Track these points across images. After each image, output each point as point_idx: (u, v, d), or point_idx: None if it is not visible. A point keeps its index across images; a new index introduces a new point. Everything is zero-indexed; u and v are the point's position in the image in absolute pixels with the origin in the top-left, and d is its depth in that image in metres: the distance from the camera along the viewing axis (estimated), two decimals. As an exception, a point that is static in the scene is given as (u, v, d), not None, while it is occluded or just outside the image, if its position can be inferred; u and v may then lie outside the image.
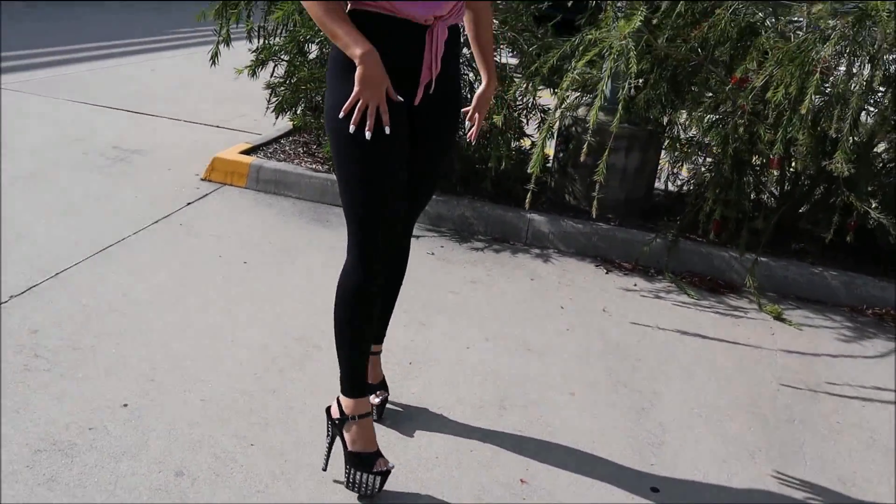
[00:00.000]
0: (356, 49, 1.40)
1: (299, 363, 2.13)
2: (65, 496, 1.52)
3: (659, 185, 3.80)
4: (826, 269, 3.22)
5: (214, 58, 3.50)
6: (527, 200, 2.94)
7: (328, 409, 1.68)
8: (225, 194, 3.43)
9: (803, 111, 2.68)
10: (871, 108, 3.14)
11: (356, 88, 1.41)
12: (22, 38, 6.89)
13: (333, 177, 3.51)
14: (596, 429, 2.01)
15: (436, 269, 2.95)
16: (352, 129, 1.43)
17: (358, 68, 1.40)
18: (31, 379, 1.88)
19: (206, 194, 3.39)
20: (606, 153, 2.91)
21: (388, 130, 1.44)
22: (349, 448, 1.62)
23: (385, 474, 1.61)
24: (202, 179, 3.56)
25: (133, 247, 2.75)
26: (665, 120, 3.53)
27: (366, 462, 1.60)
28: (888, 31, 2.63)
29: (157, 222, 3.00)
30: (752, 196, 3.40)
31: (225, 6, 3.37)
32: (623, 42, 2.80)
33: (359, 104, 1.42)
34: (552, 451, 1.89)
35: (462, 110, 1.72)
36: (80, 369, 1.95)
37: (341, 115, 1.44)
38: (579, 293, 2.88)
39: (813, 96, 2.73)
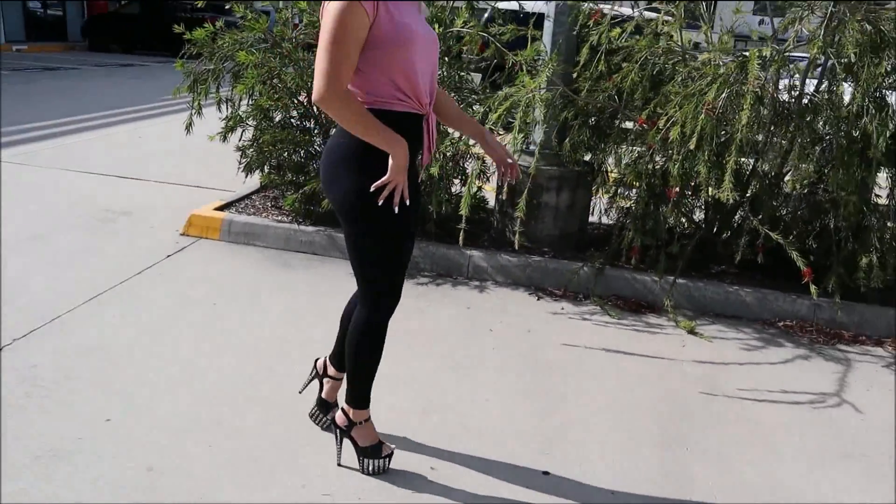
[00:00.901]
0: (396, 145, 1.79)
1: (259, 383, 2.60)
2: (59, 489, 1.99)
3: (594, 219, 4.31)
4: (741, 287, 3.70)
5: (189, 127, 4.08)
6: (460, 238, 3.45)
7: (334, 419, 2.17)
8: (201, 246, 3.96)
9: (692, 146, 3.21)
10: (778, 140, 3.66)
11: (392, 174, 1.81)
12: (24, 110, 7.58)
13: (296, 226, 4.03)
14: (503, 427, 2.47)
15: (414, 303, 3.44)
16: (382, 202, 1.82)
17: (396, 159, 1.80)
18: (31, 403, 2.36)
19: (184, 247, 3.92)
20: (525, 193, 3.43)
21: (408, 202, 1.88)
22: (361, 445, 2.13)
23: (390, 455, 2.15)
24: (181, 234, 4.10)
25: (119, 294, 3.26)
26: (594, 161, 4.07)
27: (376, 451, 2.13)
28: (754, 77, 3.17)
29: (139, 273, 3.52)
30: (674, 223, 3.90)
31: (195, 82, 3.96)
32: (529, 96, 3.35)
33: (391, 186, 1.82)
34: (463, 444, 2.34)
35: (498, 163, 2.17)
36: (73, 394, 2.43)
37: (372, 190, 1.82)
38: (509, 317, 3.36)
39: (710, 134, 3.25)
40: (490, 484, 2.16)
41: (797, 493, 2.25)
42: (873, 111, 3.31)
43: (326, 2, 1.78)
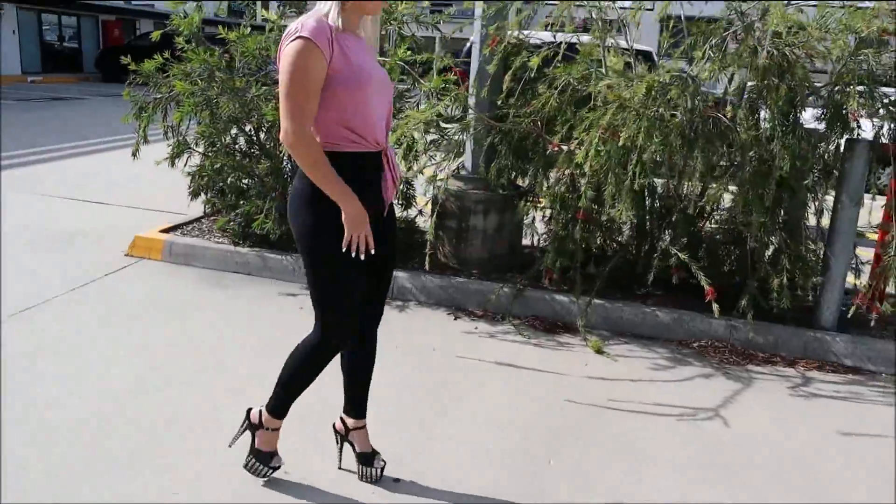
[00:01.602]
0: (346, 199, 1.88)
1: (161, 387, 2.79)
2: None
3: (529, 242, 4.45)
4: (658, 308, 3.80)
5: (135, 153, 4.35)
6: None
7: (248, 411, 2.30)
8: (141, 266, 4.19)
9: (586, 169, 3.36)
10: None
11: (349, 228, 1.89)
12: (6, 140, 8.01)
13: (233, 248, 4.25)
14: (374, 435, 2.60)
15: (301, 320, 3.62)
16: (344, 250, 1.92)
17: (346, 212, 1.88)
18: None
19: (124, 267, 4.15)
20: (434, 217, 3.60)
21: (372, 250, 1.95)
22: (256, 446, 2.26)
23: (276, 468, 2.28)
24: (126, 255, 4.34)
25: (54, 306, 3.49)
26: (521, 184, 4.23)
27: (266, 458, 2.27)
28: (639, 100, 3.33)
29: (72, 290, 3.75)
30: (591, 245, 4.02)
31: (140, 110, 4.23)
32: (415, 127, 3.54)
33: (353, 240, 1.91)
34: (324, 450, 2.48)
35: None
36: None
37: (343, 248, 1.92)
38: (419, 336, 3.51)
39: (615, 157, 3.40)
40: (336, 485, 2.30)
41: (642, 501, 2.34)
42: (780, 133, 3.45)
43: (283, 43, 1.87)
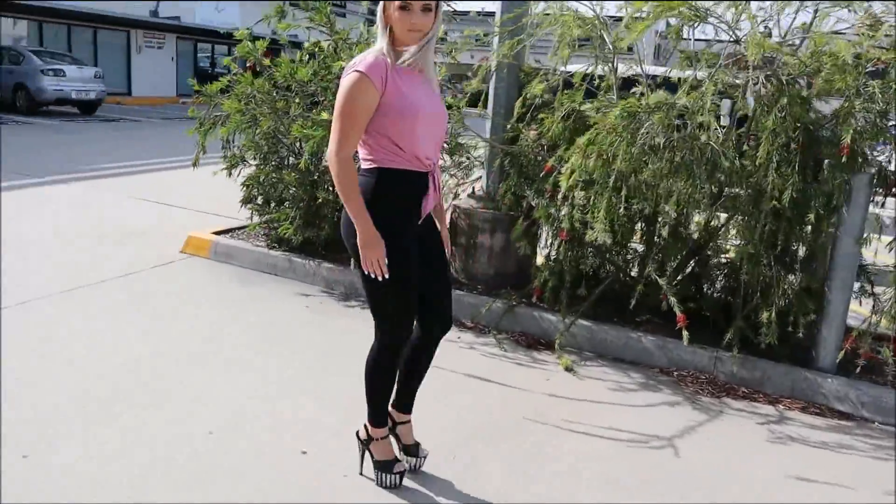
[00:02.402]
0: (361, 227, 2.10)
1: (181, 364, 3.28)
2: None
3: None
4: (645, 334, 3.82)
5: (195, 164, 5.00)
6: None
7: (357, 433, 2.52)
8: (188, 261, 4.81)
9: (564, 190, 3.50)
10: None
11: (363, 253, 2.13)
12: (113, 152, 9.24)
13: (266, 250, 4.77)
14: (314, 431, 2.91)
15: (303, 314, 4.03)
16: (374, 275, 2.15)
17: (359, 235, 2.11)
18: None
19: (174, 261, 4.79)
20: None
21: (388, 275, 2.15)
22: (376, 458, 2.46)
23: (402, 473, 2.47)
24: (180, 251, 4.99)
25: (102, 287, 4.16)
26: (526, 205, 4.40)
27: (389, 465, 2.46)
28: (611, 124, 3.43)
29: (128, 275, 4.41)
30: (591, 266, 4.11)
31: (201, 125, 4.88)
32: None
33: (368, 264, 2.15)
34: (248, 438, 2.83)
35: None
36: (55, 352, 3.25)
37: (365, 271, 2.17)
38: (400, 339, 3.79)
39: (599, 178, 3.52)
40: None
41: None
42: (774, 164, 3.41)
43: (345, 72, 2.14)
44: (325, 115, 4.29)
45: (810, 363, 3.55)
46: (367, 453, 2.52)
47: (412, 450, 2.58)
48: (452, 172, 4.73)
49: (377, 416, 2.46)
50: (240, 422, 2.84)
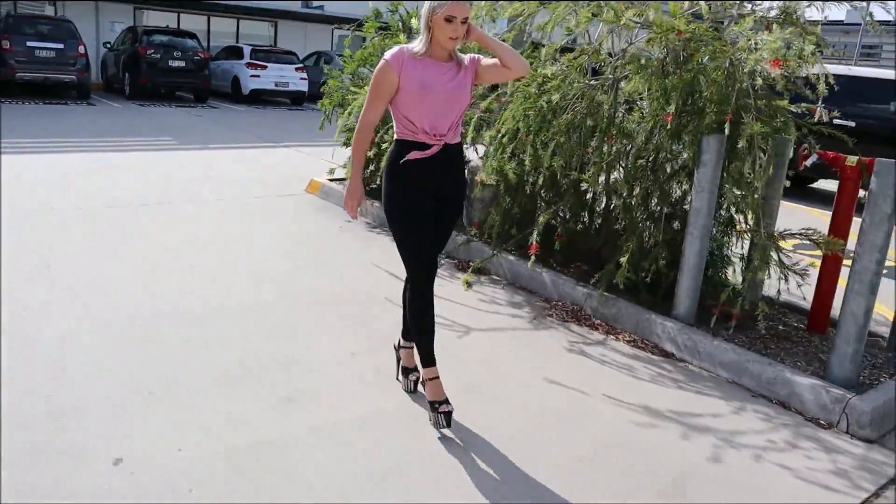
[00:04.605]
0: (350, 180, 2.74)
1: (276, 276, 5.22)
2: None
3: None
4: (546, 270, 4.51)
5: (322, 126, 6.89)
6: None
7: (395, 343, 3.20)
8: (301, 196, 6.72)
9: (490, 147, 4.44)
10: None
11: (345, 201, 2.76)
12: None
13: (339, 188, 6.45)
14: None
15: (335, 232, 5.62)
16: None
17: (347, 188, 2.74)
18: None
19: (293, 195, 6.76)
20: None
21: (355, 217, 2.85)
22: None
23: (417, 381, 3.04)
24: (304, 190, 6.96)
25: (233, 202, 6.30)
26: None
27: (406, 372, 3.09)
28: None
29: (257, 198, 6.51)
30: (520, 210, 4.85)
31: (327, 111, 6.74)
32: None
33: (345, 202, 2.78)
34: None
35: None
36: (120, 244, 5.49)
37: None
38: (355, 243, 5.12)
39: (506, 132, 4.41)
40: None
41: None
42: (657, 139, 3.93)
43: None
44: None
45: (670, 311, 3.91)
46: (398, 357, 3.17)
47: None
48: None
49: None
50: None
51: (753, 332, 3.80)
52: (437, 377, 2.81)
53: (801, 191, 9.86)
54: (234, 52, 17.93)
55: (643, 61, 3.84)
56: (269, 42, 21.88)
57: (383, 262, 4.85)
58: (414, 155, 2.68)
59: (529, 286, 4.57)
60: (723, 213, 4.03)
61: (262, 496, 2.34)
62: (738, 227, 4.03)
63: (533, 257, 4.12)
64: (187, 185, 6.92)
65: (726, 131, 3.46)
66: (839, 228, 3.82)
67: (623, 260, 3.91)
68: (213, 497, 2.32)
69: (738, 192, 3.69)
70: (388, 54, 2.66)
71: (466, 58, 2.78)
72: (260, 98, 17.34)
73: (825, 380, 3.28)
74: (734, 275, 4.26)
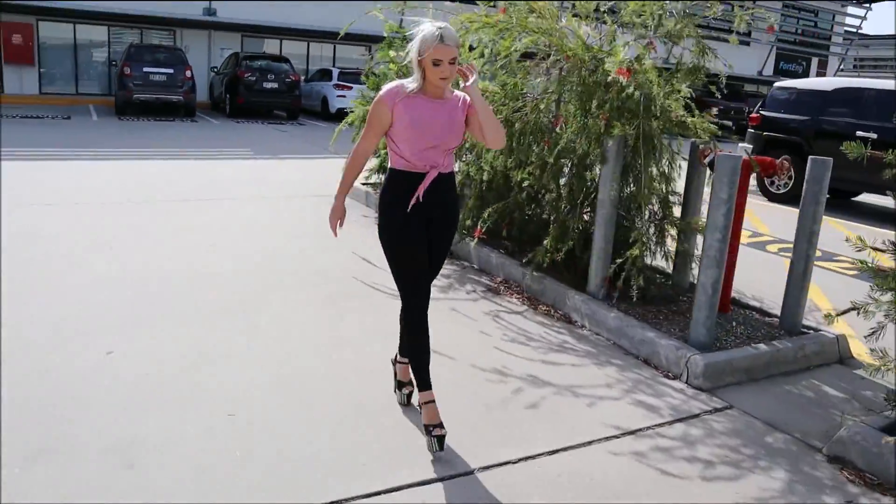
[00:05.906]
0: (335, 199, 2.91)
1: (293, 256, 6.39)
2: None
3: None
4: (499, 256, 5.30)
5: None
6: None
7: (392, 358, 3.35)
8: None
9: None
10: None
11: (329, 218, 2.95)
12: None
13: (371, 191, 7.49)
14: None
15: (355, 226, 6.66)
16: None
17: (331, 211, 2.92)
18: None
19: (325, 195, 7.88)
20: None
21: (336, 234, 3.00)
22: (397, 377, 3.26)
23: (410, 395, 3.20)
24: (339, 192, 8.07)
25: (271, 198, 7.51)
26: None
27: (400, 385, 3.24)
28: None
29: (287, 196, 7.69)
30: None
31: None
32: None
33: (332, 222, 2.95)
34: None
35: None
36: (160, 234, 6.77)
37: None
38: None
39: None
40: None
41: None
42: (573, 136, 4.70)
43: None
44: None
45: (585, 287, 4.63)
46: (394, 371, 3.32)
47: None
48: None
49: (402, 346, 3.15)
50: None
51: (655, 307, 4.44)
52: (433, 401, 2.92)
53: (845, 204, 9.99)
54: (325, 74, 19.73)
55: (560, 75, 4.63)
56: (361, 65, 23.60)
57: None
58: (412, 200, 2.79)
59: (488, 270, 5.39)
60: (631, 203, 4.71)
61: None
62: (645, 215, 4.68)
63: (476, 240, 4.97)
64: (234, 185, 8.26)
65: (601, 130, 4.20)
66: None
67: (546, 243, 4.68)
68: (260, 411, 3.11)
69: (633, 186, 4.38)
70: (383, 90, 2.78)
71: (461, 99, 2.86)
72: (346, 115, 18.73)
73: (687, 343, 3.90)
74: (650, 257, 4.86)
